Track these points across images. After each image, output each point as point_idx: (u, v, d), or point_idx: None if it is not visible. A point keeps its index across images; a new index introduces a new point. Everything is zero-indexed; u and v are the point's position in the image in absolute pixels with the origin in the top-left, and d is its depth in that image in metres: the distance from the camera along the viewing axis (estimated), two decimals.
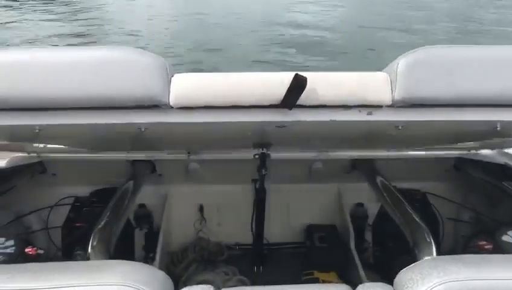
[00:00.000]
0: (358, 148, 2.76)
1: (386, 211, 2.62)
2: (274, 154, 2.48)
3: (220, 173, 3.02)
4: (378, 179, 2.65)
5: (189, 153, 2.78)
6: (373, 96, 1.51)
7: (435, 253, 1.87)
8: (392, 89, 1.48)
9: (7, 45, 11.96)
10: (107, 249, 1.93)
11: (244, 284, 2.65)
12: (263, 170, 2.49)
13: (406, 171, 2.96)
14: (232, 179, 3.12)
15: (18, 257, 1.69)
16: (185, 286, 1.16)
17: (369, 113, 1.55)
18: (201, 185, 3.15)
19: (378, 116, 1.56)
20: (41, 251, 2.04)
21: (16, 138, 1.72)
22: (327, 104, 1.50)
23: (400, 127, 1.68)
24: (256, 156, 2.43)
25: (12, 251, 1.70)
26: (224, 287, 2.52)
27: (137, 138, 2.02)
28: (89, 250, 1.88)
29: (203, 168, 2.96)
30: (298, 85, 1.37)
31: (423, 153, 2.80)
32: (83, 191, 3.11)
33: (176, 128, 1.67)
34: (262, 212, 2.79)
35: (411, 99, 1.52)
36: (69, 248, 2.56)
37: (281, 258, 3.09)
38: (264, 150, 2.40)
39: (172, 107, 1.45)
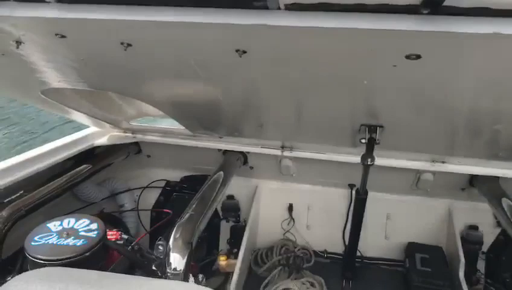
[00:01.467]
0: (483, 159, 2.30)
1: (509, 239, 2.18)
2: (379, 160, 2.14)
3: (314, 172, 2.79)
4: (505, 202, 2.21)
5: (283, 147, 2.59)
6: None
7: None
8: None
9: None
10: (189, 244, 1.80)
11: None
12: (369, 160, 2.07)
13: None
14: (327, 180, 2.87)
15: (99, 243, 1.62)
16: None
17: None
18: (293, 183, 2.95)
19: None
20: (125, 236, 1.99)
21: (105, 36, 1.54)
22: (490, 6, 0.99)
23: None
24: (363, 141, 2.04)
25: (95, 236, 1.64)
26: None
27: (232, 76, 1.63)
28: (170, 243, 1.78)
29: (297, 166, 2.75)
30: None
31: None
32: (175, 175, 3.09)
33: (283, 41, 1.27)
34: (360, 219, 2.47)
35: None
36: (156, 232, 2.52)
37: (374, 275, 2.78)
38: (374, 136, 1.98)
39: (279, 8, 1.13)
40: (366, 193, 2.38)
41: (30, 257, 1.53)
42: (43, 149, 2.25)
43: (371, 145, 2.02)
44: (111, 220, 3.00)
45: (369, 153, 2.05)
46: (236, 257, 2.66)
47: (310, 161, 2.59)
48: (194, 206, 2.08)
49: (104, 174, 2.87)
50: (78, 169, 2.48)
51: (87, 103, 2.29)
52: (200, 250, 2.98)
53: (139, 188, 3.07)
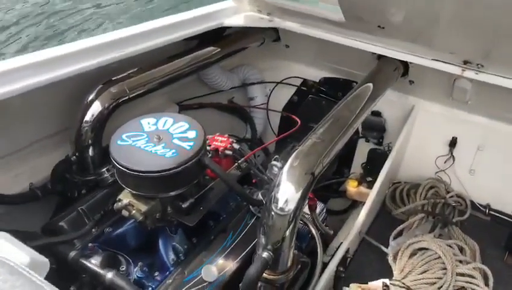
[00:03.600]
0: None
1: None
2: None
3: (499, 104, 2.03)
4: None
5: (466, 63, 1.86)
6: None
7: None
8: None
9: None
10: (308, 171, 1.35)
11: (485, 280, 1.79)
12: None
13: None
14: None
15: (192, 158, 1.27)
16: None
17: None
18: (464, 112, 2.22)
19: None
20: (236, 146, 1.61)
21: None
22: None
23: None
24: None
25: (189, 148, 1.28)
26: (452, 273, 1.76)
27: None
28: (284, 171, 1.35)
29: (477, 91, 2.01)
30: None
31: None
32: (314, 74, 2.58)
33: None
34: None
35: None
36: (283, 140, 2.13)
37: None
38: None
39: None
40: None
41: (112, 158, 1.27)
42: (162, 22, 1.91)
43: None
44: (239, 112, 2.73)
45: None
46: (369, 187, 2.18)
47: (498, 89, 1.85)
48: (327, 125, 1.60)
49: (236, 60, 2.52)
50: (205, 50, 2.14)
51: None
52: (330, 167, 2.55)
53: (273, 82, 2.66)
